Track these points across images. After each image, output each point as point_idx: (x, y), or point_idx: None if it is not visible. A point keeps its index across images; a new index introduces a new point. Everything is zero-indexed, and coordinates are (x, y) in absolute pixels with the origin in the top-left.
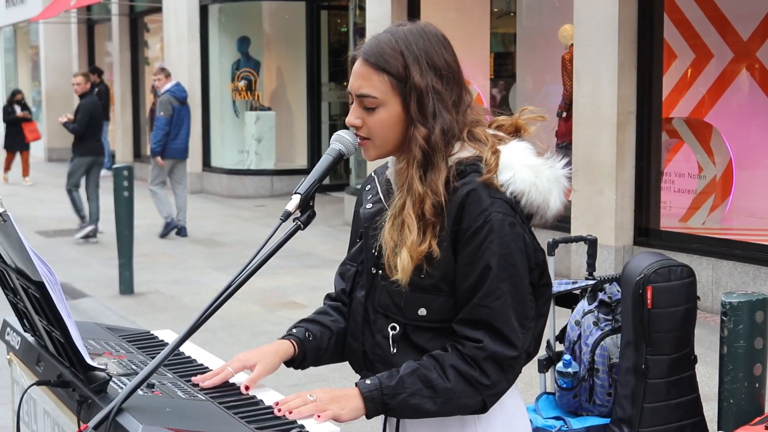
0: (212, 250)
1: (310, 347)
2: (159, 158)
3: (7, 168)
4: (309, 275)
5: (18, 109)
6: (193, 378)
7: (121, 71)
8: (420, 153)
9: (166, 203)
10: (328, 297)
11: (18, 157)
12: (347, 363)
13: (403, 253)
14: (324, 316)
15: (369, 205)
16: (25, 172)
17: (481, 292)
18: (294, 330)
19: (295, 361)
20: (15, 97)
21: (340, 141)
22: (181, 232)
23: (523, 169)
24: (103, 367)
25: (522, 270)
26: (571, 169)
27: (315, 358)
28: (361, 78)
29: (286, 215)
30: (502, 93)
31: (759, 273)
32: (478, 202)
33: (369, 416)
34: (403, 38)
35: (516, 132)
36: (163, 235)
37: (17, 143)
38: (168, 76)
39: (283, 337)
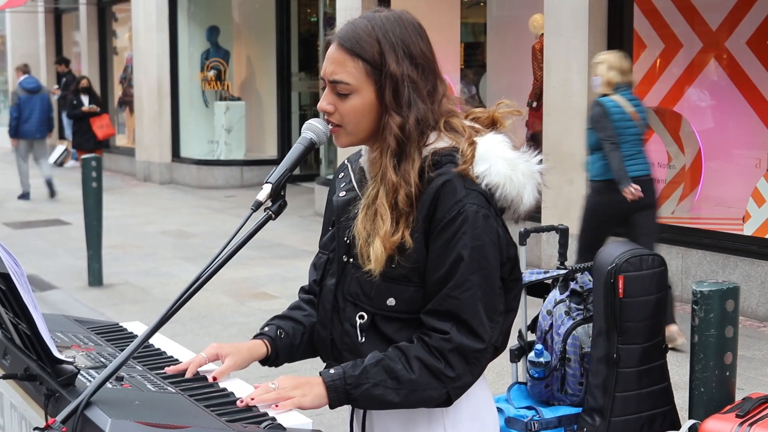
0: (182, 241)
1: (282, 345)
2: (12, 140)
3: None
4: (280, 266)
5: (86, 101)
6: (166, 369)
7: (89, 61)
8: (394, 142)
9: (26, 176)
10: (302, 290)
11: None
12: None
13: (377, 243)
14: (297, 311)
15: (342, 193)
16: None
17: (451, 283)
18: (266, 328)
19: (269, 360)
20: (80, 85)
21: (311, 130)
22: (52, 193)
23: (499, 161)
24: (71, 360)
25: (493, 263)
26: (545, 165)
27: (288, 355)
28: (336, 63)
29: (257, 205)
30: (472, 83)
31: (728, 262)
32: (452, 192)
33: (332, 406)
34: (380, 25)
35: (492, 125)
36: (20, 197)
37: (86, 142)
38: (20, 71)
39: (256, 337)
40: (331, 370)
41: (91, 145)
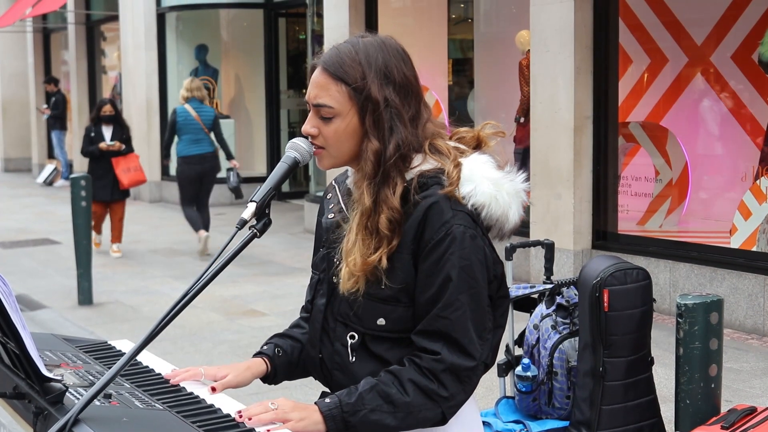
0: (172, 259)
1: (281, 362)
2: None
3: (97, 227)
4: (270, 283)
5: (108, 134)
6: (165, 374)
7: (78, 80)
8: (370, 166)
9: None
10: (303, 309)
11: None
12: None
13: (350, 262)
14: (296, 329)
15: (330, 215)
16: (115, 235)
17: (441, 303)
18: (264, 347)
19: (268, 378)
20: (101, 112)
21: (295, 149)
22: None
23: (484, 182)
24: (59, 378)
25: (482, 282)
26: (529, 183)
27: (287, 373)
28: (319, 87)
29: (242, 223)
30: (460, 99)
31: (715, 275)
32: (440, 214)
33: None
34: (363, 50)
35: (477, 145)
36: None
37: (102, 189)
38: None
39: (255, 355)
40: (327, 399)
41: (109, 196)
